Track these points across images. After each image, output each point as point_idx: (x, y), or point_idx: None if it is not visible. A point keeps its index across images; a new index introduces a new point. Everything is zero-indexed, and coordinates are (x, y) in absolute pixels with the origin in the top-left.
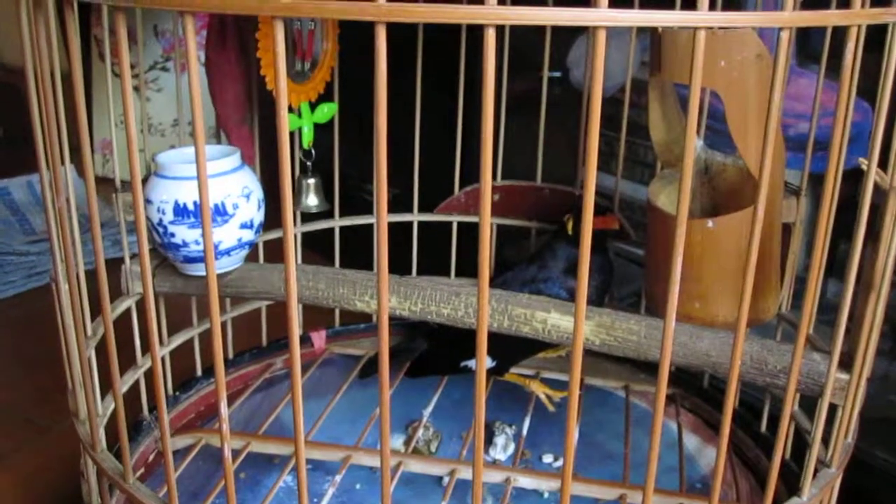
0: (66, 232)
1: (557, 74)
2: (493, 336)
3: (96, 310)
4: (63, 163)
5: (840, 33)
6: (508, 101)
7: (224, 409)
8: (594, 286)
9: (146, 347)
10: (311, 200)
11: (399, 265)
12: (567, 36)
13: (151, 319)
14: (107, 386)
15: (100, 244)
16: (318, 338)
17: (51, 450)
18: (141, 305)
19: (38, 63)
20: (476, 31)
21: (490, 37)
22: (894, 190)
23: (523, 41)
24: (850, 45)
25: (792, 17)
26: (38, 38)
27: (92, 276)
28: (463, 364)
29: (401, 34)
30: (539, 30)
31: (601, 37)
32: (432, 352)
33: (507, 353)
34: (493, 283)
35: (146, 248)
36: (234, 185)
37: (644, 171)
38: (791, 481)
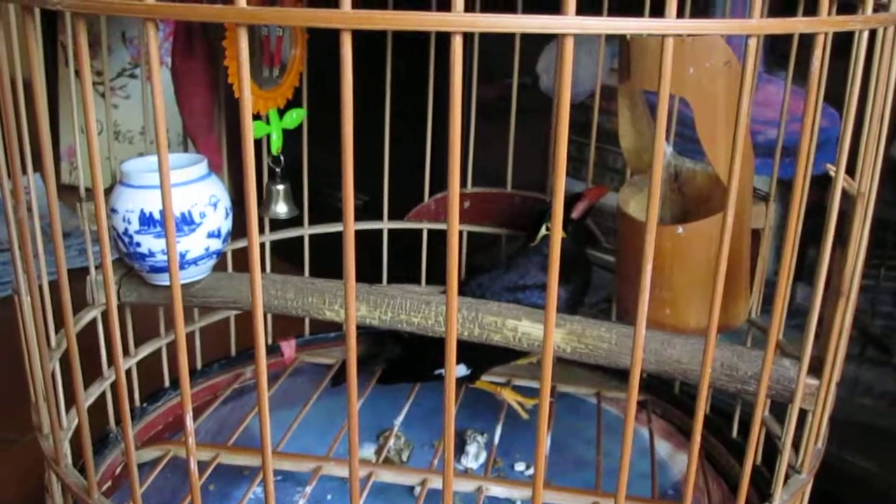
0: (26, 241)
1: (527, 81)
2: (467, 344)
3: (61, 321)
4: (25, 171)
5: (808, 39)
6: (478, 108)
7: (190, 422)
8: (575, 289)
9: (112, 358)
10: (281, 207)
11: (369, 273)
12: (537, 42)
13: (115, 331)
14: (73, 398)
15: (62, 253)
16: (288, 347)
17: (15, 464)
18: (106, 316)
19: None
20: (445, 38)
21: (457, 44)
22: (862, 196)
23: (493, 48)
24: (818, 53)
25: (760, 25)
26: None
27: (57, 286)
28: (437, 372)
29: (370, 40)
30: (508, 36)
31: (569, 44)
32: (405, 359)
33: (481, 361)
34: (468, 286)
35: (109, 257)
36: (200, 194)
37: (614, 178)
38: (762, 487)
